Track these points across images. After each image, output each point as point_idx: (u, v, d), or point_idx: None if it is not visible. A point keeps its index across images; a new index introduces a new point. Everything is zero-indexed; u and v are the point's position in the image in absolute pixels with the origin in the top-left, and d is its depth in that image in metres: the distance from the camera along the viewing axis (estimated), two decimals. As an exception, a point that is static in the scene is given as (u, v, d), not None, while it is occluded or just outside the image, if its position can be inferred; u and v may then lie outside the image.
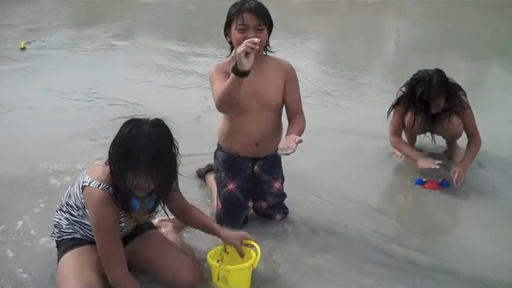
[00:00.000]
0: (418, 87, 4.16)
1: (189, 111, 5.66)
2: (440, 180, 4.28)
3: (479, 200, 4.18)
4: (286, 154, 3.04)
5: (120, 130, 2.66)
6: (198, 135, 4.80)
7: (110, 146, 2.68)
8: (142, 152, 2.56)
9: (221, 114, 3.53)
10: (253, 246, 3.05)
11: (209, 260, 2.97)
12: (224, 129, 3.57)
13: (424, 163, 4.31)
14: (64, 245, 2.93)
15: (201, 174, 4.23)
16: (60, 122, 5.40)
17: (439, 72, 4.21)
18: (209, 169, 4.12)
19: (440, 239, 3.77)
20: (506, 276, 3.25)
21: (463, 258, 3.40)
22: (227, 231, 3.13)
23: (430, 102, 4.15)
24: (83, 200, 2.78)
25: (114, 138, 2.67)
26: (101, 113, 5.67)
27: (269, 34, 3.32)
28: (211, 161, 3.84)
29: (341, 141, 5.03)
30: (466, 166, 4.31)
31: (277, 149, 3.16)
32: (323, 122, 5.35)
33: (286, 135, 3.29)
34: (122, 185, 2.65)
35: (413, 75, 4.29)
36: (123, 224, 2.89)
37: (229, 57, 3.39)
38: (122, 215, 2.83)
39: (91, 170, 2.82)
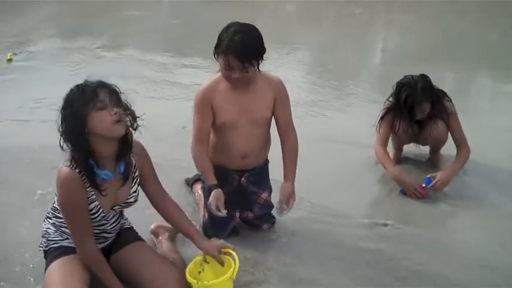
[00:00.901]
0: (402, 91, 4.18)
1: (175, 121, 5.65)
2: (424, 185, 4.24)
3: (466, 207, 4.21)
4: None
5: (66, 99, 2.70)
6: (184, 145, 4.76)
7: (60, 117, 2.71)
8: (96, 88, 2.70)
9: None
10: (231, 254, 3.02)
11: (187, 277, 2.91)
12: (211, 142, 3.49)
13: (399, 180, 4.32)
14: (51, 254, 2.93)
15: (189, 183, 4.23)
16: (49, 133, 5.33)
17: (424, 77, 4.24)
18: (197, 179, 4.10)
19: (429, 248, 3.75)
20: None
21: (456, 267, 3.43)
22: (206, 242, 3.09)
23: (414, 106, 4.16)
24: None
25: (62, 107, 2.71)
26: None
27: (260, 63, 3.21)
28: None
29: (327, 151, 5.04)
30: (450, 174, 4.30)
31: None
32: (309, 132, 5.32)
33: (283, 161, 3.49)
34: (83, 144, 2.65)
35: (399, 81, 4.30)
36: (97, 203, 2.83)
37: (218, 73, 3.28)
38: (93, 193, 2.79)
39: None
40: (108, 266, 2.87)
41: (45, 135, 5.13)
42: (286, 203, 3.41)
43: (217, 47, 3.11)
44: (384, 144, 4.50)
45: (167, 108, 6.19)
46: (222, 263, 3.01)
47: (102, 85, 2.72)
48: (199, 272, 3.02)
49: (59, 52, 8.75)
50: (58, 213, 2.89)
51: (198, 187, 4.01)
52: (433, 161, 4.78)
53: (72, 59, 8.34)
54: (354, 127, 5.60)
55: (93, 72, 6.95)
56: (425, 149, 4.79)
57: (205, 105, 3.28)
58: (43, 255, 3.02)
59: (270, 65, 8.18)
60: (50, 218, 2.97)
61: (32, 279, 3.18)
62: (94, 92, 2.66)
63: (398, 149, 4.75)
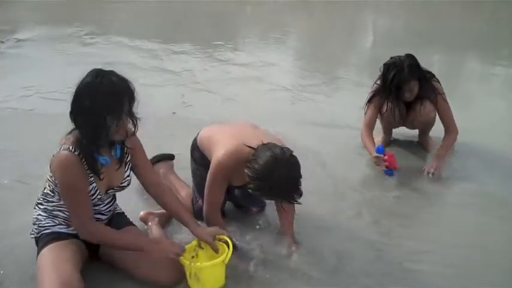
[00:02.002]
0: (390, 71, 4.17)
1: (165, 107, 5.67)
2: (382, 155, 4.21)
3: (461, 190, 4.22)
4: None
5: (87, 83, 2.69)
6: (173, 132, 4.81)
7: (78, 103, 2.69)
8: (125, 96, 2.72)
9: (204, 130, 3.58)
10: (226, 241, 3.04)
11: (181, 258, 2.94)
12: (207, 143, 3.43)
13: (375, 160, 4.24)
14: (42, 240, 2.93)
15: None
16: (41, 121, 5.36)
17: (410, 56, 4.23)
18: (159, 159, 4.08)
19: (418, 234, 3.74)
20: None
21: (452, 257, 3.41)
22: (200, 228, 3.11)
23: (402, 85, 4.16)
24: (53, 178, 2.81)
25: (83, 94, 2.68)
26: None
27: None
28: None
29: (316, 134, 5.03)
30: (441, 158, 4.34)
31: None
32: (298, 116, 5.39)
33: (280, 223, 3.42)
34: (94, 136, 2.69)
35: (386, 62, 4.29)
36: (95, 185, 2.86)
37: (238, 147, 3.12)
38: (92, 176, 2.81)
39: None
40: (117, 232, 2.93)
41: (33, 123, 5.27)
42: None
43: (261, 189, 2.94)
44: (369, 127, 4.47)
45: (157, 94, 6.16)
46: (216, 250, 3.03)
47: (127, 89, 2.76)
48: (193, 257, 3.04)
49: (46, 39, 8.70)
50: (50, 198, 2.89)
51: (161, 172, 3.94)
52: (422, 144, 4.79)
53: (60, 46, 8.29)
54: (342, 111, 5.64)
55: (81, 60, 7.11)
56: (415, 132, 4.80)
57: (225, 180, 3.23)
58: (34, 242, 3.01)
59: (260, 51, 8.28)
60: (40, 204, 2.97)
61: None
62: (121, 100, 2.71)
63: (387, 132, 4.76)
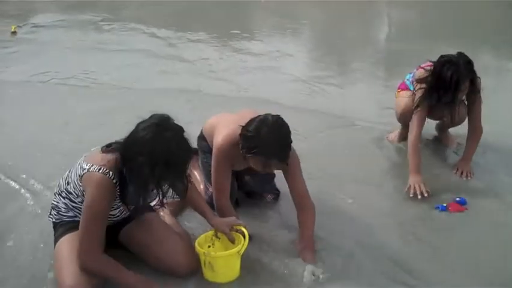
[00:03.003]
0: (446, 69, 3.88)
1: (179, 95, 5.69)
2: (457, 199, 3.85)
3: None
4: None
5: (142, 134, 2.63)
6: (189, 119, 4.79)
7: (129, 149, 2.65)
8: (181, 163, 2.69)
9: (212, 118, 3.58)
10: (242, 232, 3.05)
11: (196, 246, 2.97)
12: (210, 132, 3.45)
13: (413, 183, 3.91)
14: (63, 226, 2.93)
15: None
16: (57, 106, 5.45)
17: (462, 53, 4.04)
18: None
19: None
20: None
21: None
22: (217, 218, 3.13)
23: (460, 83, 3.90)
24: (81, 188, 2.78)
25: (138, 141, 2.63)
26: (94, 96, 5.72)
27: None
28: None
29: (332, 126, 5.02)
30: (469, 161, 4.24)
31: None
32: (313, 107, 5.39)
33: (300, 232, 3.28)
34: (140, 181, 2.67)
35: (436, 61, 4.01)
36: (117, 211, 2.90)
37: (231, 142, 3.16)
38: (118, 200, 2.83)
39: (89, 158, 2.81)
40: (116, 264, 2.82)
41: (55, 107, 5.32)
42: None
43: (251, 150, 2.97)
44: (419, 138, 4.16)
45: (172, 82, 6.18)
46: (232, 240, 3.04)
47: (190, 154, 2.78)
48: (209, 246, 3.07)
49: (62, 25, 8.74)
50: (73, 198, 2.87)
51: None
52: (441, 139, 4.70)
53: (77, 32, 8.33)
54: (358, 102, 5.61)
55: (96, 46, 7.14)
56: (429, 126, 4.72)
57: (228, 160, 3.24)
58: (52, 225, 3.04)
59: (276, 41, 8.27)
60: (62, 196, 2.95)
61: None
62: (185, 166, 2.75)
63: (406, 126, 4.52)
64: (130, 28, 8.62)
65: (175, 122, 2.71)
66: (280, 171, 3.31)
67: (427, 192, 3.84)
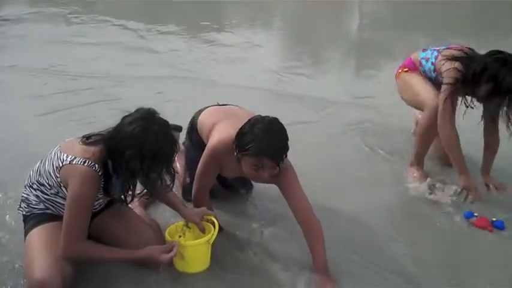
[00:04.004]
0: (505, 71, 3.31)
1: (151, 87, 5.67)
2: (493, 219, 3.44)
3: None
4: None
5: (129, 127, 2.61)
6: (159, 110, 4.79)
7: (117, 143, 2.62)
8: (168, 156, 2.67)
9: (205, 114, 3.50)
10: (213, 222, 3.06)
11: (166, 236, 2.97)
12: (207, 130, 3.37)
13: (468, 187, 3.53)
14: (34, 219, 2.88)
15: None
16: (27, 97, 5.39)
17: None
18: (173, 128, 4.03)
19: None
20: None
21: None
22: (187, 209, 3.13)
23: None
24: (58, 179, 2.74)
25: (125, 135, 2.60)
26: (65, 87, 5.66)
27: None
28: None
29: (305, 115, 5.04)
30: (489, 171, 3.80)
31: None
32: (284, 97, 5.41)
33: (312, 258, 2.99)
34: (133, 176, 2.67)
35: (491, 58, 3.42)
36: (101, 201, 2.88)
37: (226, 145, 3.05)
38: (101, 193, 2.81)
39: (67, 148, 2.75)
40: (101, 245, 2.81)
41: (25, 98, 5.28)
42: None
43: (243, 148, 2.88)
44: (455, 127, 3.61)
45: (142, 74, 6.15)
46: (203, 230, 3.05)
47: (176, 148, 2.75)
48: (180, 236, 3.06)
49: (30, 18, 8.63)
50: (45, 190, 2.84)
51: None
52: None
53: (44, 25, 8.24)
54: (328, 91, 5.65)
55: (66, 39, 7.06)
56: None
57: (217, 161, 3.19)
58: (22, 218, 2.99)
59: (246, 33, 8.27)
60: (33, 188, 2.91)
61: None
62: (172, 159, 2.74)
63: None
64: (100, 20, 8.54)
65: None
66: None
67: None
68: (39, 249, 2.74)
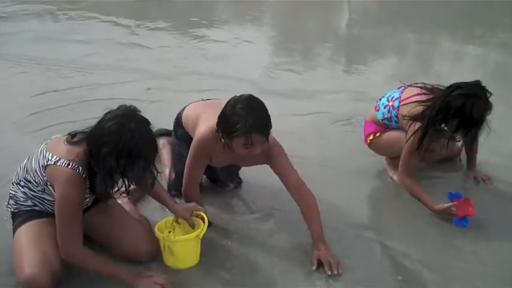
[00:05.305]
0: (471, 104, 3.28)
1: (140, 83, 5.67)
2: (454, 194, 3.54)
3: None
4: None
5: (107, 124, 2.59)
6: (146, 107, 4.79)
7: (95, 140, 2.60)
8: (146, 154, 2.63)
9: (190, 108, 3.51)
10: (202, 217, 3.05)
11: (156, 231, 2.97)
12: (192, 123, 3.39)
13: (442, 208, 3.46)
14: (22, 215, 2.88)
15: None
16: (13, 92, 5.41)
17: (477, 83, 3.41)
18: (161, 133, 4.00)
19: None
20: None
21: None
22: (177, 205, 3.12)
23: (483, 121, 3.36)
24: (44, 178, 2.74)
25: (102, 132, 2.58)
26: (51, 84, 5.63)
27: None
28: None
29: (292, 109, 5.04)
30: (475, 165, 3.98)
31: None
32: (273, 93, 5.40)
33: (307, 222, 3.12)
34: (105, 171, 2.64)
35: (450, 93, 3.39)
36: (88, 200, 2.88)
37: (214, 133, 3.06)
38: (87, 192, 2.81)
39: (53, 147, 2.75)
40: (102, 261, 2.81)
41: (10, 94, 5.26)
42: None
43: (230, 131, 2.89)
44: (412, 175, 3.67)
45: (132, 70, 6.12)
46: (192, 225, 3.05)
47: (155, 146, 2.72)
48: (169, 232, 3.07)
49: (18, 15, 8.57)
50: (32, 187, 2.83)
51: (161, 142, 3.90)
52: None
53: (31, 22, 8.19)
54: (317, 86, 5.67)
55: (52, 35, 7.02)
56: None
57: (205, 153, 3.18)
58: (10, 215, 2.98)
59: (235, 29, 8.26)
60: (21, 186, 2.90)
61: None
62: (151, 158, 2.69)
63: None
64: (88, 17, 8.50)
65: (141, 113, 2.68)
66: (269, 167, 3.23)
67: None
68: (27, 246, 2.75)
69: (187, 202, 3.24)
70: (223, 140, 2.97)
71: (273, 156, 3.16)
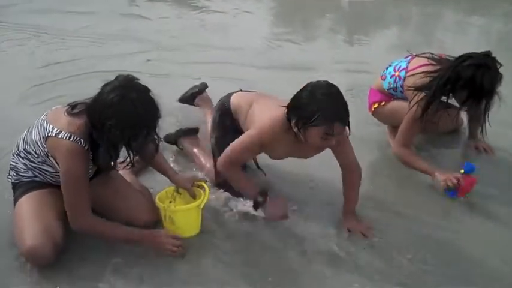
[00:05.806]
0: (481, 75, 3.22)
1: (140, 54, 5.65)
2: (462, 171, 3.42)
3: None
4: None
5: (108, 97, 2.57)
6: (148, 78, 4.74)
7: (98, 113, 2.60)
8: (150, 123, 2.66)
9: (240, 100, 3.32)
10: (203, 187, 3.06)
11: (156, 201, 2.99)
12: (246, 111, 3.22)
13: (444, 181, 3.40)
14: (23, 186, 2.89)
15: (171, 140, 3.87)
16: (12, 67, 5.35)
17: (488, 53, 3.35)
18: (181, 134, 3.83)
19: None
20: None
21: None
22: (178, 175, 3.14)
23: (494, 92, 3.31)
24: (45, 149, 2.73)
25: (104, 105, 2.57)
26: (52, 56, 5.59)
27: None
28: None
29: (292, 79, 4.96)
30: (477, 136, 3.92)
31: None
32: (274, 63, 5.39)
33: (345, 194, 3.16)
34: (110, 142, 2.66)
35: (460, 63, 3.34)
36: (90, 171, 2.87)
37: (282, 123, 2.91)
38: (90, 164, 2.80)
39: (53, 118, 2.74)
40: (113, 226, 2.85)
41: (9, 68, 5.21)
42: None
43: (309, 119, 2.72)
44: (410, 146, 3.71)
45: (132, 41, 6.08)
46: (193, 195, 3.05)
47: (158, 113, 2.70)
48: (170, 202, 3.08)
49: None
50: (32, 158, 2.83)
51: (186, 141, 3.79)
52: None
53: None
54: (318, 57, 5.66)
55: (53, 7, 6.93)
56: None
57: (258, 147, 3.02)
58: (11, 186, 2.99)
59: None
60: (21, 157, 2.89)
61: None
62: (154, 126, 2.71)
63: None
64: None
65: (140, 82, 2.67)
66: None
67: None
68: (28, 217, 2.76)
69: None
70: (295, 129, 2.81)
71: (339, 144, 2.97)
